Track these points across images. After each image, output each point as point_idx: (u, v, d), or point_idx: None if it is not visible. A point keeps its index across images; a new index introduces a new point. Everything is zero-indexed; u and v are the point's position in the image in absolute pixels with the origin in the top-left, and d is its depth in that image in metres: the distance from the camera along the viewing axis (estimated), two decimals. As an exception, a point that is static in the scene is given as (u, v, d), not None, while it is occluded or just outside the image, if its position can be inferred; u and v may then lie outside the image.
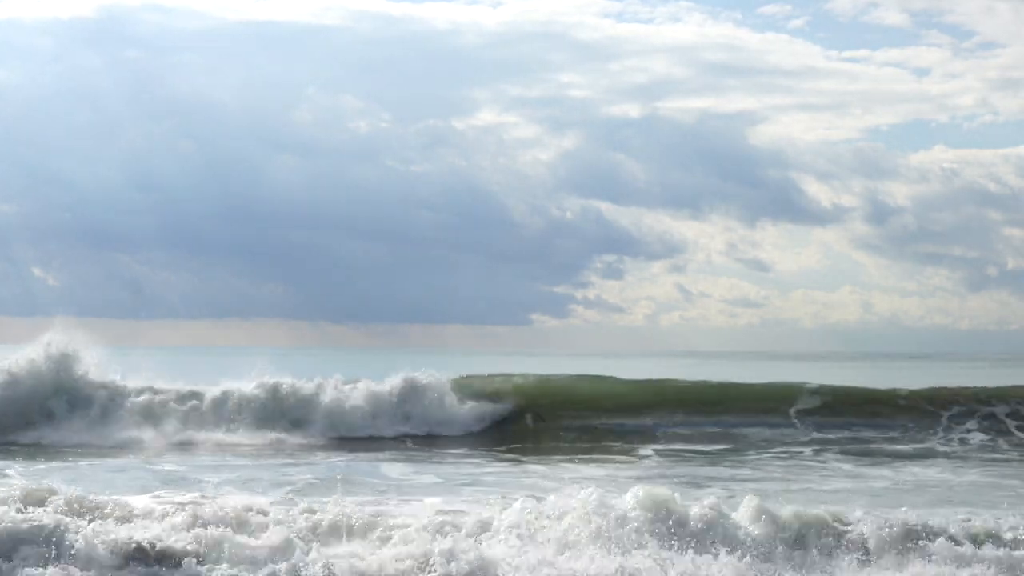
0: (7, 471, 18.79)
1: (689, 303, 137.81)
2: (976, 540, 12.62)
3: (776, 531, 12.71)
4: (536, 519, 12.65)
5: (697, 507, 12.84)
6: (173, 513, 12.90)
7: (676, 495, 13.07)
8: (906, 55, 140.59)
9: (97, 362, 26.96)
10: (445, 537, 12.27)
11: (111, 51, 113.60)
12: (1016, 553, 12.35)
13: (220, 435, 25.25)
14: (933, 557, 12.26)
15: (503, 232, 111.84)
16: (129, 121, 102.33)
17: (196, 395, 26.85)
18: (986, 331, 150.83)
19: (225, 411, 26.36)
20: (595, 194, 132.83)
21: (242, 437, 25.14)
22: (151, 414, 26.12)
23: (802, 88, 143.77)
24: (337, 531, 12.62)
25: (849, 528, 12.77)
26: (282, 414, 26.46)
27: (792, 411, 27.11)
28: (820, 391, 27.96)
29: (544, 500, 13.10)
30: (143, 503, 13.83)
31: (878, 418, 26.94)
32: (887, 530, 12.59)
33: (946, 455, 23.60)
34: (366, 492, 16.31)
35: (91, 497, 13.20)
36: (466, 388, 27.95)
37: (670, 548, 12.14)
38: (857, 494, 17.22)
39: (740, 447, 24.30)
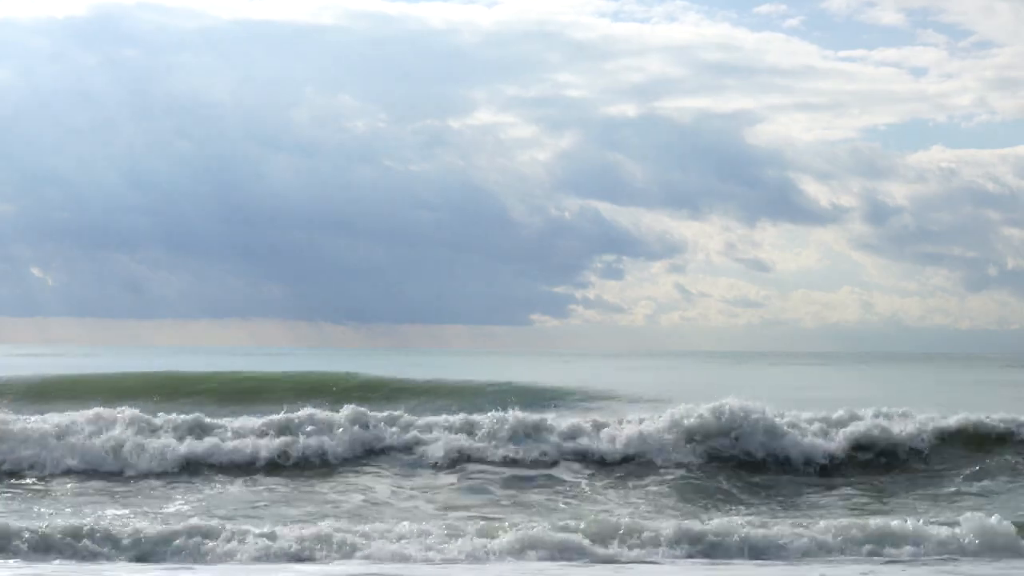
0: None
1: (689, 303, 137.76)
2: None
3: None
4: None
5: None
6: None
7: None
8: (903, 55, 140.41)
9: None
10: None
11: (107, 51, 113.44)
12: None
13: None
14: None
15: (502, 232, 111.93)
16: (126, 121, 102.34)
17: None
18: (986, 331, 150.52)
19: None
20: (593, 194, 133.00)
21: None
22: None
23: (799, 88, 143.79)
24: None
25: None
26: None
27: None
28: None
29: None
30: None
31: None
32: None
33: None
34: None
35: None
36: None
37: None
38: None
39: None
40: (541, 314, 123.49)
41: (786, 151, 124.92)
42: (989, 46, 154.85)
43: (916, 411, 21.81)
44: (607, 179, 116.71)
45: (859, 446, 20.79)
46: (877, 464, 20.46)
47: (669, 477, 19.34)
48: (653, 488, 18.76)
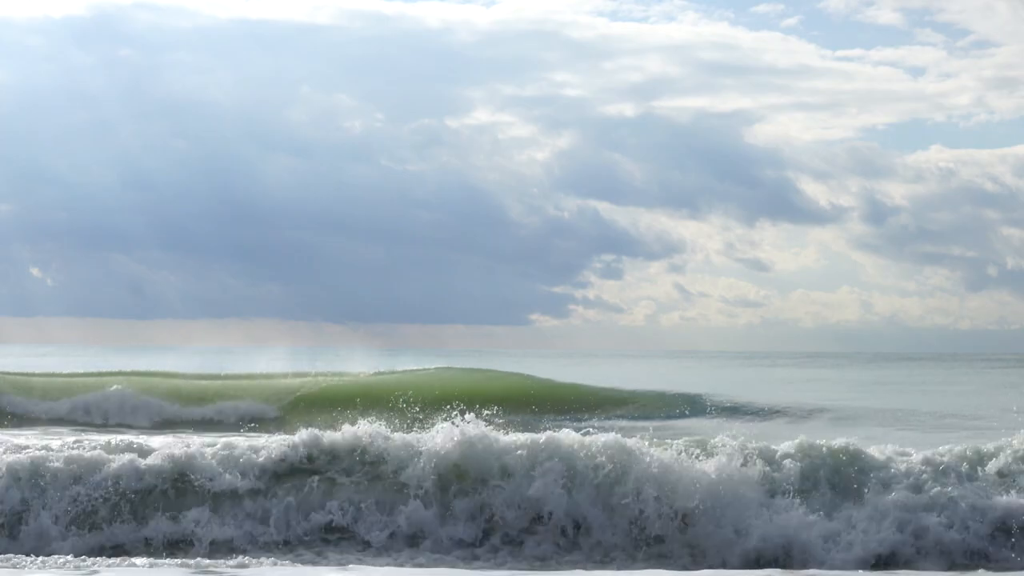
0: None
1: (688, 303, 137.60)
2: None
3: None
4: None
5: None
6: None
7: None
8: (900, 54, 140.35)
9: None
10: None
11: (104, 50, 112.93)
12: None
13: None
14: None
15: (501, 232, 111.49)
16: (123, 120, 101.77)
17: None
18: (986, 331, 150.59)
19: None
20: (592, 194, 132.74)
21: None
22: None
23: (797, 87, 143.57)
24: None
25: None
26: None
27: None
28: None
29: None
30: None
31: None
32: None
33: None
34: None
35: None
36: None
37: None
38: None
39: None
40: (540, 314, 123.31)
41: (784, 151, 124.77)
42: (987, 45, 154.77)
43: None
44: (605, 179, 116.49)
45: None
46: None
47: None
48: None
